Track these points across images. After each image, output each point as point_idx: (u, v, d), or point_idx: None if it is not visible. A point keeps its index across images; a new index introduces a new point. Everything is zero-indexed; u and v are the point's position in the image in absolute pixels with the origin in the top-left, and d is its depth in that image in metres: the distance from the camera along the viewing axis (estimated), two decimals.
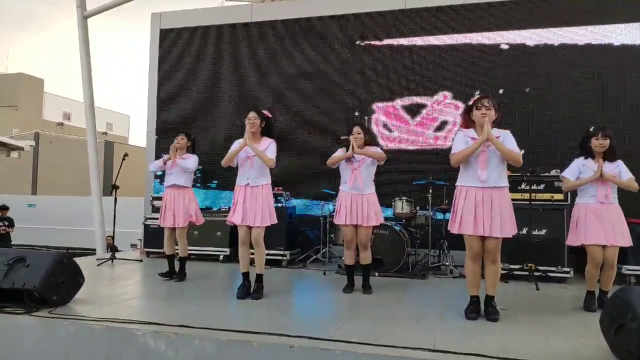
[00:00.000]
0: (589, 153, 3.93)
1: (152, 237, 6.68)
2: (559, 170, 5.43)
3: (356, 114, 7.14)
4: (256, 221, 4.13)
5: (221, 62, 7.78)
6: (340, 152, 4.53)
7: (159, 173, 6.90)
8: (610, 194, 3.83)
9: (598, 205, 3.81)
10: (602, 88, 6.26)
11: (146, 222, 6.89)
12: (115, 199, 6.42)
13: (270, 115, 4.37)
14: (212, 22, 7.91)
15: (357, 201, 4.39)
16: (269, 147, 4.22)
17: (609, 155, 3.87)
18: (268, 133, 4.31)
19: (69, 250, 10.06)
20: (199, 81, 7.85)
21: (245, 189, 4.21)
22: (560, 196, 5.27)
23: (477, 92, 3.73)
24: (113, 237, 7.61)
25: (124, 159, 6.35)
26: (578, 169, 3.94)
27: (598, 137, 3.86)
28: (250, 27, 7.70)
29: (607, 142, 3.84)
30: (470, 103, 3.62)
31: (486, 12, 6.73)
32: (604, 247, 3.79)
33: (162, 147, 7.44)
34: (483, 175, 3.45)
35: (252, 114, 4.26)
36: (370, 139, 4.63)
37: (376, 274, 5.21)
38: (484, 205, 3.44)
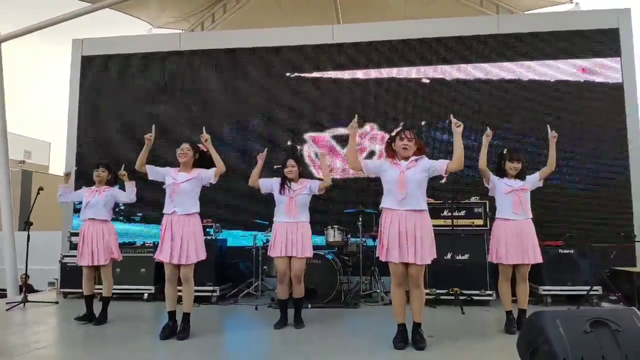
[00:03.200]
0: (503, 173, 4.22)
1: (70, 275, 6.23)
2: (478, 197, 5.78)
3: (288, 143, 7.18)
4: (182, 258, 3.99)
5: (145, 91, 7.58)
6: (274, 180, 4.52)
7: (78, 206, 6.51)
8: (525, 207, 4.10)
9: (514, 222, 4.07)
10: (518, 120, 6.76)
11: (63, 260, 6.43)
12: (29, 235, 5.96)
13: (205, 150, 4.28)
14: (137, 49, 7.71)
15: (291, 230, 4.35)
16: (201, 174, 4.18)
17: (520, 175, 4.20)
18: (200, 166, 4.24)
19: None
20: (121, 110, 7.58)
21: (171, 218, 4.08)
22: (480, 222, 5.57)
23: (401, 123, 3.89)
24: (27, 276, 7.02)
25: (38, 193, 5.92)
26: (494, 183, 4.21)
27: (513, 161, 4.18)
28: (178, 56, 7.58)
29: (520, 165, 4.18)
30: (393, 134, 3.78)
31: (410, 48, 7.11)
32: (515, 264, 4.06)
33: (82, 178, 7.02)
34: (400, 195, 3.57)
35: (185, 145, 4.22)
36: (304, 172, 4.67)
37: (309, 306, 5.17)
38: (407, 231, 3.55)
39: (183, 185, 4.10)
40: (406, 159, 3.69)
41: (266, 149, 4.71)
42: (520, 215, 4.09)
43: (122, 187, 4.90)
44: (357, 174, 6.84)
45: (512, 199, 4.11)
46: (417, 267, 3.57)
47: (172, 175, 4.18)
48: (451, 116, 3.77)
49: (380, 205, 3.74)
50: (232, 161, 7.18)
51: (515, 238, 4.05)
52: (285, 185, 4.42)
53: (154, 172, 4.27)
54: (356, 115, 3.88)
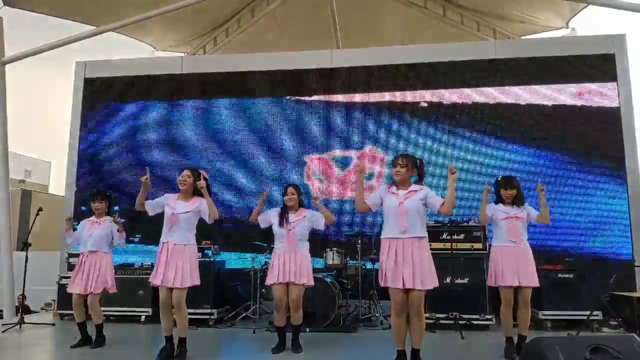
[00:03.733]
0: (500, 199, 4.25)
1: (67, 297, 6.08)
2: (477, 220, 5.77)
3: (287, 165, 7.23)
4: (175, 282, 3.97)
5: (147, 114, 7.65)
6: (271, 212, 4.52)
7: (76, 225, 6.51)
8: (521, 235, 4.10)
9: (510, 247, 4.08)
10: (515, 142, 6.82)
11: (61, 282, 6.39)
12: (27, 256, 5.94)
13: (206, 176, 4.28)
14: (140, 72, 7.81)
15: (290, 258, 4.33)
16: (201, 206, 4.13)
17: (517, 201, 4.21)
18: (201, 194, 4.18)
19: None
20: (123, 132, 7.65)
21: (168, 245, 4.08)
22: (479, 245, 5.55)
23: (397, 152, 3.92)
24: (24, 296, 6.97)
25: (37, 214, 5.93)
26: (491, 212, 4.22)
27: (507, 189, 4.20)
28: (180, 79, 7.68)
29: (515, 191, 4.20)
30: (391, 161, 3.81)
31: (408, 72, 7.22)
32: (516, 288, 4.04)
33: (82, 200, 7.03)
34: (402, 226, 3.58)
35: (185, 172, 4.21)
36: (303, 201, 4.64)
37: (307, 330, 5.12)
38: (404, 257, 3.54)
39: (181, 217, 4.09)
40: (404, 187, 3.71)
41: (266, 191, 4.70)
42: (516, 244, 4.10)
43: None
44: (354, 196, 6.87)
45: (508, 226, 4.12)
46: (418, 293, 3.55)
47: (171, 205, 4.15)
48: (449, 165, 3.79)
49: (381, 236, 3.74)
50: (231, 182, 7.25)
51: (512, 260, 4.05)
52: (284, 217, 4.42)
53: (153, 208, 4.23)
54: (364, 163, 3.89)
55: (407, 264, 3.53)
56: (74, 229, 5.03)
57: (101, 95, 7.82)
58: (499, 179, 4.37)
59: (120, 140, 7.64)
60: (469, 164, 6.81)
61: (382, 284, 3.65)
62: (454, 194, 3.64)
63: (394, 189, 3.75)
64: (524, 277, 4.02)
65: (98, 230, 4.76)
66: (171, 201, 4.19)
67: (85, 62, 7.96)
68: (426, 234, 3.66)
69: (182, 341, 4.07)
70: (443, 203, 3.61)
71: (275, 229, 4.44)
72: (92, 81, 7.84)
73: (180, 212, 4.09)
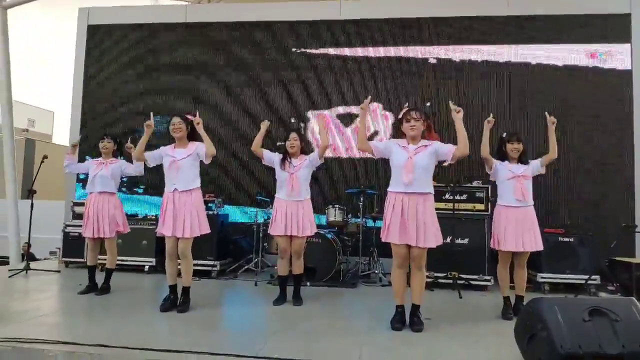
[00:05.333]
0: (504, 157, 4.19)
1: (72, 245, 6.29)
2: (480, 182, 5.76)
3: (292, 120, 7.14)
4: (185, 232, 4.01)
5: (151, 61, 7.52)
6: (277, 155, 4.52)
7: (82, 176, 6.52)
8: (527, 194, 4.07)
9: (515, 208, 4.05)
10: (514, 101, 6.70)
11: (66, 230, 6.47)
12: (32, 204, 5.99)
13: (197, 122, 4.24)
14: (143, 20, 7.62)
15: (292, 209, 4.36)
16: (198, 149, 4.14)
17: (522, 158, 4.17)
18: (195, 137, 4.20)
19: None
20: (127, 80, 7.53)
21: (173, 195, 4.08)
22: (481, 206, 5.55)
23: (405, 104, 3.83)
24: (29, 244, 7.09)
25: (42, 162, 5.94)
26: (496, 169, 4.18)
27: (513, 142, 4.15)
28: (184, 28, 7.49)
29: (521, 146, 4.16)
30: (400, 116, 3.73)
31: (418, 27, 6.98)
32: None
33: (86, 149, 7.01)
34: (408, 177, 3.55)
35: (176, 120, 4.17)
36: (306, 147, 4.66)
37: (308, 284, 5.21)
38: (410, 214, 3.54)
39: (182, 162, 4.08)
40: (415, 141, 3.66)
41: (268, 121, 4.62)
42: (522, 202, 4.07)
43: (128, 160, 4.89)
44: (361, 155, 6.82)
45: (514, 185, 4.08)
46: (420, 249, 3.58)
47: (170, 154, 4.14)
48: (450, 103, 3.73)
49: (388, 189, 3.73)
50: (234, 136, 7.19)
51: (515, 225, 4.04)
52: (286, 161, 4.41)
53: (153, 158, 4.23)
54: (369, 97, 3.83)
55: (412, 220, 3.53)
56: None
57: (104, 42, 7.65)
58: (503, 135, 4.32)
59: (124, 89, 7.53)
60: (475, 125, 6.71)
61: (383, 239, 3.67)
62: (464, 133, 3.61)
63: (403, 142, 3.70)
64: (527, 242, 4.02)
65: (104, 171, 4.75)
66: (169, 150, 4.17)
67: (88, 8, 7.76)
68: (432, 190, 3.65)
69: (186, 290, 4.14)
70: (457, 148, 3.59)
71: (278, 172, 4.45)
72: (95, 28, 7.67)
73: (181, 159, 4.08)
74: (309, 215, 4.42)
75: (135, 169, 4.80)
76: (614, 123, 6.52)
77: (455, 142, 3.67)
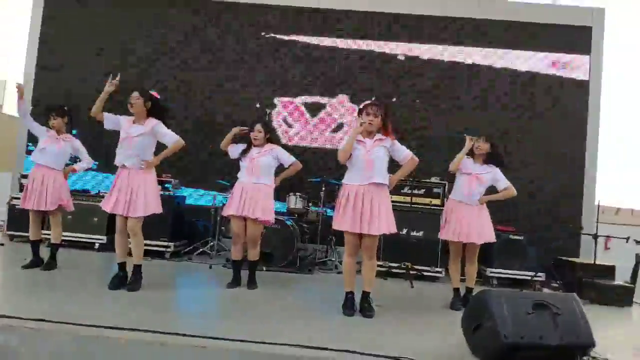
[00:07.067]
0: (471, 153, 4.27)
1: (18, 218, 5.97)
2: (438, 178, 5.89)
3: (257, 105, 7.05)
4: (129, 211, 3.88)
5: (112, 32, 7.20)
6: (240, 145, 4.47)
7: (30, 147, 6.20)
8: (473, 196, 4.16)
9: (463, 205, 4.17)
10: (477, 102, 6.88)
11: (11, 202, 6.17)
12: None
13: (157, 96, 4.11)
14: None
15: (250, 191, 4.27)
16: (155, 129, 3.97)
17: (489, 161, 4.24)
18: (155, 115, 4.04)
19: None
20: (85, 50, 7.19)
21: (122, 171, 3.95)
22: (437, 201, 5.72)
23: (372, 98, 3.84)
24: None
25: None
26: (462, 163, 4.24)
27: (478, 141, 4.22)
28: (152, 3, 7.22)
29: (486, 146, 4.22)
30: (361, 106, 3.75)
31: (390, 23, 7.04)
32: (465, 243, 4.17)
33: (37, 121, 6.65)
34: (367, 176, 3.59)
35: (134, 94, 3.98)
36: (273, 138, 4.60)
37: (264, 268, 5.18)
38: (363, 203, 3.56)
39: (136, 140, 3.93)
40: (371, 136, 3.68)
41: (240, 128, 4.52)
42: (466, 199, 4.17)
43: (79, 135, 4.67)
44: (324, 144, 6.85)
45: (467, 181, 4.18)
46: (371, 237, 3.61)
47: (125, 128, 3.97)
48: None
49: (343, 180, 3.74)
50: (199, 116, 7.03)
51: (464, 218, 4.14)
52: (247, 152, 4.37)
53: (110, 121, 4.03)
54: (367, 122, 3.69)
55: (366, 209, 3.56)
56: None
57: (62, 7, 7.27)
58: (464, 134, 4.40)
59: (84, 55, 7.17)
60: (438, 123, 6.83)
61: (335, 227, 3.68)
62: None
63: (359, 137, 3.70)
64: (473, 235, 4.12)
65: (54, 147, 4.51)
66: (125, 124, 4.00)
67: None
68: (387, 182, 3.68)
69: (137, 269, 4.02)
70: (411, 159, 3.69)
71: (241, 161, 4.41)
72: None
73: (135, 135, 3.94)
74: (267, 201, 4.32)
75: (87, 164, 4.69)
76: (569, 130, 6.79)
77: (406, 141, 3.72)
